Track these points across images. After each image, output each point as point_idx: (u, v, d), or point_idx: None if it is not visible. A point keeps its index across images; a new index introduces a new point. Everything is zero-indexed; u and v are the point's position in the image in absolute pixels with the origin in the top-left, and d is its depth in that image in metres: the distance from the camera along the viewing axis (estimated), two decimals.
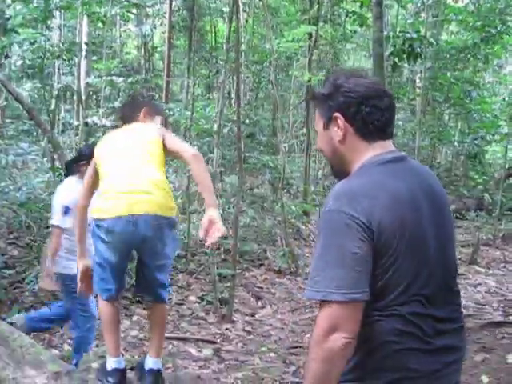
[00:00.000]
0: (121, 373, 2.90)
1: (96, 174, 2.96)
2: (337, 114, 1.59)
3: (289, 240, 7.91)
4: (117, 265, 2.86)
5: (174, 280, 6.50)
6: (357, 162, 1.59)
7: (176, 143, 2.99)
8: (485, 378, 3.72)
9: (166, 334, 4.96)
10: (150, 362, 2.92)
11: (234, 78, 14.24)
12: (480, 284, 6.80)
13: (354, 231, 1.40)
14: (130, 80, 13.15)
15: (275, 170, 9.28)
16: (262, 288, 6.77)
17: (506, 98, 14.48)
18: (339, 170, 1.67)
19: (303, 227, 9.92)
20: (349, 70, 1.76)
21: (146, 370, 2.92)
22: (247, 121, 10.74)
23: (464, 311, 4.90)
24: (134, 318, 5.33)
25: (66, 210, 3.67)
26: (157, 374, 2.93)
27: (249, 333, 5.35)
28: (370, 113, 1.58)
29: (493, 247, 8.99)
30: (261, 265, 7.62)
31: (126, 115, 3.24)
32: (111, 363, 2.88)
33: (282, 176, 8.16)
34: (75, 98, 11.89)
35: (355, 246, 1.40)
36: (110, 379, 2.85)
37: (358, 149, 1.60)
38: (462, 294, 5.03)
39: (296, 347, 4.98)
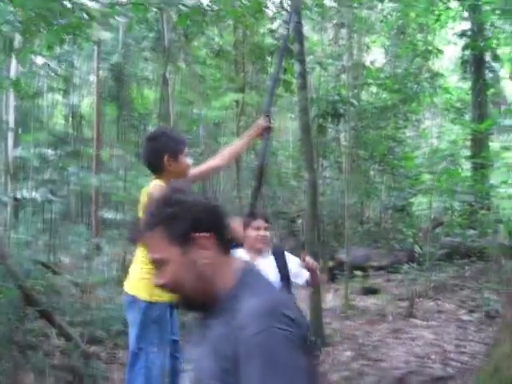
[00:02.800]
0: None
1: None
2: (196, 234, 1.39)
3: None
4: None
5: (116, 358, 6.35)
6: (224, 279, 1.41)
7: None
8: None
9: None
10: None
11: None
12: (418, 337, 6.95)
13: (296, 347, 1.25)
14: (58, 151, 13.06)
15: None
16: None
17: (427, 152, 15.17)
18: (202, 298, 1.41)
19: None
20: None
21: None
22: None
23: (405, 366, 5.03)
24: None
25: None
26: None
27: None
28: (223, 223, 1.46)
29: (426, 298, 9.24)
30: None
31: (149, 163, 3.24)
32: None
33: None
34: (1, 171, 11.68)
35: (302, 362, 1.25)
36: None
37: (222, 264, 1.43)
38: (402, 348, 5.18)
39: None
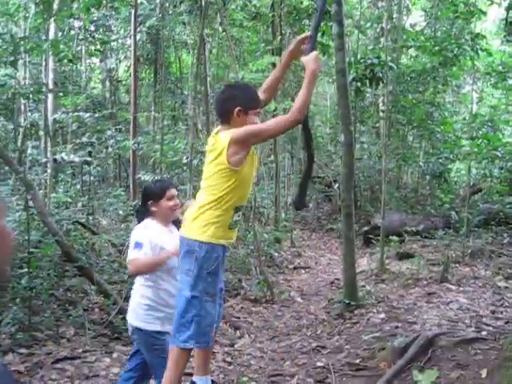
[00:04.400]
0: None
1: None
2: None
3: (263, 268, 8.01)
4: None
5: None
6: None
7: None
8: None
9: None
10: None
11: (201, 108, 14.45)
12: (452, 301, 6.94)
13: None
14: (96, 115, 13.22)
15: None
16: (239, 318, 6.83)
17: (467, 117, 14.90)
18: None
19: (276, 254, 10.03)
20: None
21: None
22: None
23: (437, 329, 5.03)
24: (115, 355, 5.31)
25: (137, 246, 3.47)
26: None
27: (229, 363, 5.38)
28: None
29: (462, 264, 9.18)
30: (237, 294, 7.68)
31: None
32: None
33: (254, 205, 8.29)
34: (42, 134, 11.90)
35: None
36: None
37: None
38: (434, 312, 5.19)
39: (276, 375, 5.03)
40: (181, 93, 17.67)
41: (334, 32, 6.52)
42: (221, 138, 3.07)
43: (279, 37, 11.16)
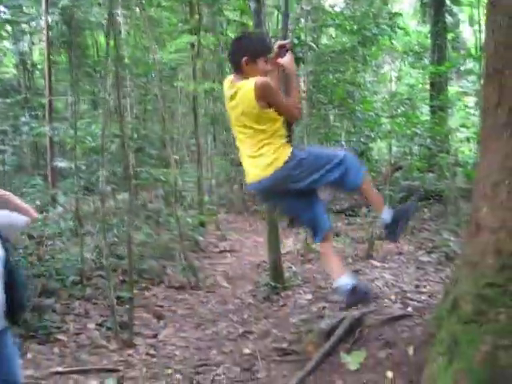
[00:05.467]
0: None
1: None
2: None
3: (187, 253, 7.78)
4: None
5: (70, 308, 6.19)
6: None
7: None
8: (389, 374, 3.78)
9: (66, 369, 4.73)
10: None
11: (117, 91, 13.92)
12: (377, 278, 6.97)
13: None
14: (9, 100, 12.54)
15: (167, 183, 9.10)
16: (162, 307, 6.57)
17: (386, 96, 15.09)
18: None
19: (201, 238, 9.81)
20: None
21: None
22: (135, 135, 10.46)
23: (364, 308, 4.97)
24: (29, 355, 4.98)
25: None
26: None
27: (152, 356, 5.14)
28: None
29: (386, 241, 9.28)
30: (160, 282, 7.42)
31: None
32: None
33: (174, 189, 8.00)
34: None
35: None
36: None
37: None
38: None
39: (202, 365, 4.84)
40: (100, 76, 17.01)
41: (252, 8, 6.32)
42: (244, 86, 3.33)
43: (197, 16, 10.84)
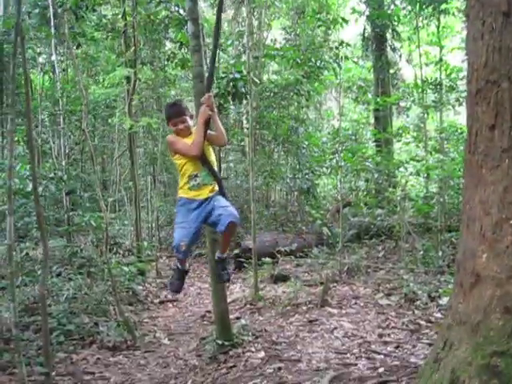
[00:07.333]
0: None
1: None
2: None
3: (121, 308, 6.87)
4: None
5: None
6: None
7: None
8: None
9: None
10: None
11: (51, 130, 13.02)
12: (336, 328, 6.29)
13: None
14: None
15: (98, 229, 8.19)
16: (93, 374, 5.62)
17: (331, 132, 14.77)
18: None
19: (140, 288, 8.94)
20: None
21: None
22: (65, 176, 9.56)
23: (327, 366, 4.21)
24: None
25: None
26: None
27: None
28: None
29: (340, 283, 8.66)
30: (92, 342, 6.48)
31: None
32: None
33: (106, 235, 7.09)
34: None
35: None
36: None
37: None
38: (319, 343, 4.33)
39: None
40: (35, 116, 16.02)
41: (190, 32, 5.68)
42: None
43: (133, 48, 10.13)
